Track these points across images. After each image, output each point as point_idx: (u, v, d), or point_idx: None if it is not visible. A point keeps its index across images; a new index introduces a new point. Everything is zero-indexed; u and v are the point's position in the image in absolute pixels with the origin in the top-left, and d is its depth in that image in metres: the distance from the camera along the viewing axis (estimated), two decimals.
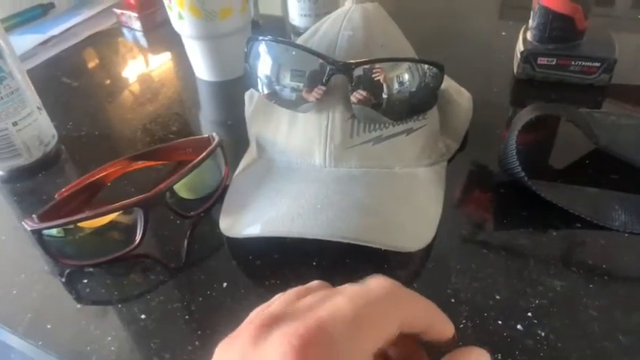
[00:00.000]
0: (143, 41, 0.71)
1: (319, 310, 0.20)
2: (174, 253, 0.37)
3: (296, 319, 0.20)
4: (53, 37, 0.72)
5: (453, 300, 0.32)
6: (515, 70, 0.53)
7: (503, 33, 0.62)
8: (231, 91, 0.55)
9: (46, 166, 0.47)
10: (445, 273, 0.33)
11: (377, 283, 0.21)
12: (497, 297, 0.32)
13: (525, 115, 0.38)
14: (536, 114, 0.38)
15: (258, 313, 0.22)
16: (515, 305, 0.31)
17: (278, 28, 0.70)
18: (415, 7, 0.72)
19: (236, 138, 0.47)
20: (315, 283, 0.25)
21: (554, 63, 0.51)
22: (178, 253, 0.37)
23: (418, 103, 0.38)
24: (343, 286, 0.23)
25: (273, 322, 0.20)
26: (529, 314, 0.31)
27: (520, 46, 0.52)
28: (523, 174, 0.36)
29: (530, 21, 0.52)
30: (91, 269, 0.36)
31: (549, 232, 0.36)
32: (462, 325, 0.30)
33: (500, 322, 0.30)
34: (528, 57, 0.51)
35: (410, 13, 0.69)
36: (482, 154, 0.43)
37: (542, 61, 0.51)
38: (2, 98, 0.42)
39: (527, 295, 0.32)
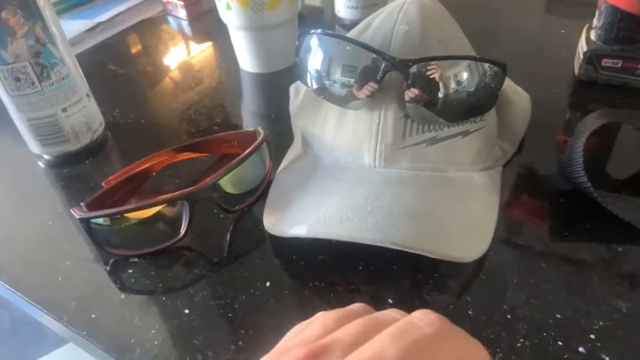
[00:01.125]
0: (188, 30, 0.71)
1: (363, 352, 0.18)
2: (217, 248, 0.37)
3: (338, 357, 0.18)
4: (100, 23, 0.72)
5: (509, 316, 0.30)
6: (576, 71, 0.50)
7: (562, 31, 0.59)
8: (276, 84, 0.55)
9: (93, 152, 0.47)
10: (501, 287, 0.32)
11: (425, 321, 0.19)
12: (558, 316, 0.30)
13: (593, 121, 0.36)
14: (604, 121, 0.35)
15: (298, 337, 0.21)
16: (577, 326, 0.29)
17: (323, 20, 0.69)
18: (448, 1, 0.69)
19: (279, 131, 0.46)
20: (357, 308, 0.23)
21: (619, 65, 0.47)
22: (221, 247, 0.37)
23: (476, 104, 0.36)
24: (388, 314, 0.21)
25: (314, 355, 0.18)
26: (592, 336, 0.29)
27: (583, 46, 0.49)
28: (589, 184, 0.34)
29: (595, 20, 0.49)
30: (135, 259, 0.36)
31: (614, 247, 0.33)
32: (519, 345, 0.28)
33: (560, 344, 0.28)
34: (592, 58, 0.48)
35: (446, 6, 0.67)
36: (539, 159, 0.41)
37: (606, 63, 0.48)
38: (53, 84, 0.42)
39: (590, 315, 0.30)
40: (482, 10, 0.66)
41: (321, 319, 0.21)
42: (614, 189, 0.37)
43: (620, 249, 0.33)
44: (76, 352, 0.32)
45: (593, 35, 0.49)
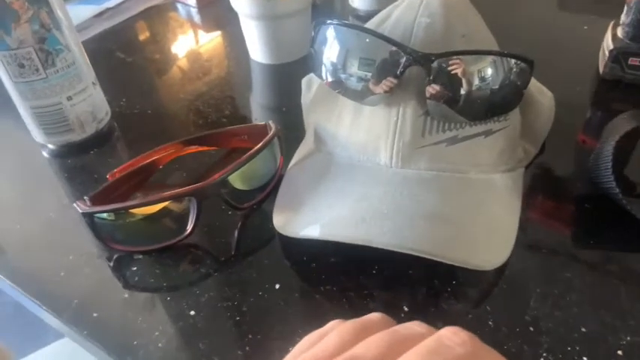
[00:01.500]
0: (197, 18, 0.69)
1: None
2: (225, 246, 0.35)
3: None
4: (108, 9, 0.71)
5: (531, 328, 0.28)
6: (600, 70, 0.48)
7: (585, 27, 0.56)
8: (287, 76, 0.53)
9: (98, 143, 0.46)
10: (523, 297, 0.30)
11: (456, 340, 0.17)
12: (583, 329, 0.28)
13: (623, 123, 0.34)
14: (636, 124, 0.33)
15: (313, 350, 0.19)
16: (604, 341, 0.28)
17: (336, 10, 0.67)
18: None
19: (290, 125, 0.44)
20: (375, 318, 0.21)
21: None
22: (229, 246, 0.35)
23: (501, 103, 0.34)
24: (410, 327, 0.19)
25: None
26: (619, 352, 0.27)
27: (609, 44, 0.47)
28: (618, 190, 0.32)
29: (623, 16, 0.47)
30: (140, 256, 0.35)
31: None
32: (541, 359, 0.27)
33: (585, 359, 0.27)
34: (618, 56, 0.46)
35: None
36: (562, 160, 0.39)
37: (634, 61, 0.46)
38: (58, 71, 0.41)
39: (617, 329, 0.28)
40: (499, 2, 0.64)
41: (338, 329, 0.20)
42: (637, 193, 0.35)
43: None
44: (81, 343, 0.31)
45: (620, 32, 0.47)
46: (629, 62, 0.46)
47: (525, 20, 0.60)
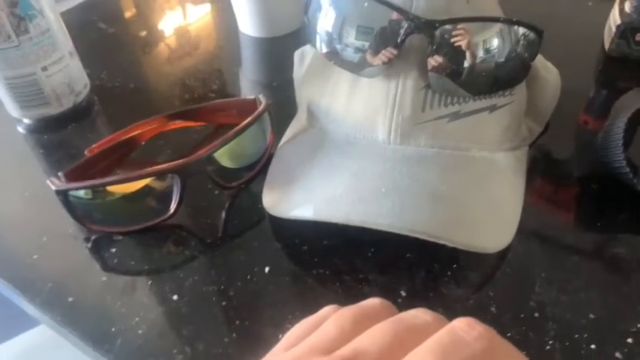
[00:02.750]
0: None
1: None
2: (211, 227, 0.33)
3: None
4: None
5: (537, 314, 0.27)
6: (606, 46, 0.46)
7: (589, 3, 0.54)
8: (278, 50, 0.50)
9: (77, 117, 0.43)
10: (527, 281, 0.28)
11: (472, 334, 0.15)
12: (591, 316, 0.27)
13: (633, 99, 0.32)
14: None
15: (309, 341, 0.17)
16: (613, 328, 0.26)
17: None
18: None
19: (282, 101, 0.42)
20: (376, 304, 0.19)
21: None
22: (216, 227, 0.33)
23: (507, 76, 0.32)
24: (416, 315, 0.17)
25: None
26: (629, 340, 0.26)
27: (616, 19, 0.45)
28: (628, 170, 0.30)
29: None
30: (119, 237, 0.33)
31: None
32: (548, 347, 0.25)
33: (593, 347, 0.25)
34: (625, 32, 0.44)
35: None
36: (567, 139, 0.38)
37: None
38: (31, 39, 0.38)
39: (626, 316, 0.27)
40: None
41: (335, 317, 0.18)
42: None
43: None
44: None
45: (627, 7, 0.45)
46: (637, 38, 0.44)
47: None
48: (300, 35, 0.36)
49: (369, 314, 0.18)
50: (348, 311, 0.18)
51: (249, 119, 0.34)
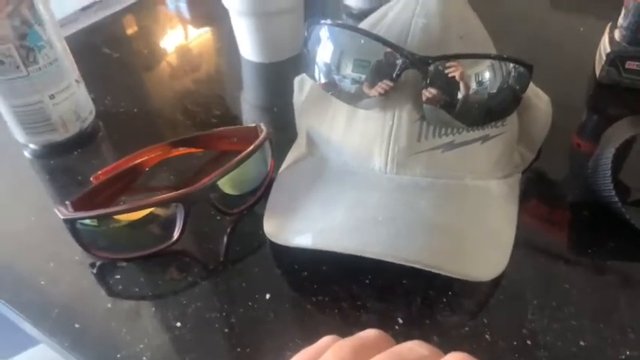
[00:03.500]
0: (186, 13, 0.67)
1: None
2: (213, 253, 0.34)
3: None
4: (96, 2, 0.69)
5: (529, 342, 0.28)
6: (597, 73, 0.47)
7: (581, 29, 0.56)
8: (279, 75, 0.51)
9: (82, 143, 0.44)
10: (520, 309, 0.29)
11: None
12: (582, 343, 0.27)
13: (622, 130, 0.33)
14: (638, 131, 0.33)
15: None
16: (603, 355, 0.27)
17: (330, 8, 0.66)
18: None
19: (282, 126, 0.43)
20: (373, 336, 0.19)
21: None
22: (218, 253, 0.34)
23: (498, 108, 0.33)
24: (412, 349, 0.18)
25: None
26: None
27: (606, 47, 0.46)
28: (617, 199, 0.31)
29: (621, 19, 0.46)
30: (124, 264, 0.34)
31: None
32: None
33: None
34: (615, 60, 0.45)
35: None
36: (558, 166, 0.39)
37: (631, 65, 0.45)
38: (40, 69, 0.39)
39: (616, 343, 0.27)
40: (492, 4, 0.63)
41: (334, 349, 0.19)
42: (636, 201, 0.35)
43: None
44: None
45: (617, 35, 0.46)
46: (627, 66, 0.45)
47: (520, 22, 0.59)
48: (300, 61, 0.37)
49: (367, 346, 0.19)
50: (347, 343, 0.19)
51: (250, 148, 0.35)
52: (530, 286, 0.30)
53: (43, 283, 0.33)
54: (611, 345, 0.27)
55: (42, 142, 0.43)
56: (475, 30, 0.36)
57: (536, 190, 0.37)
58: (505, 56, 0.32)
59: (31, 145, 0.44)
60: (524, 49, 0.53)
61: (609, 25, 0.48)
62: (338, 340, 0.19)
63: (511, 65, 0.32)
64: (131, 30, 0.64)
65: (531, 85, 0.42)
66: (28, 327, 0.31)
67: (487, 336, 0.28)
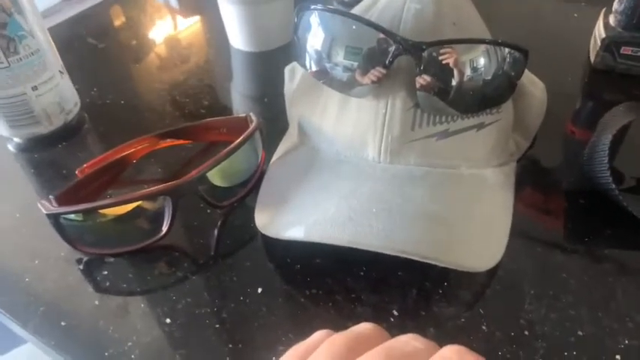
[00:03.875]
0: (174, 2, 0.66)
1: None
2: (203, 247, 0.33)
3: None
4: None
5: (526, 332, 0.27)
6: (592, 59, 0.47)
7: (575, 14, 0.55)
8: (269, 64, 0.50)
9: (67, 136, 0.43)
10: (517, 299, 0.29)
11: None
12: (580, 333, 0.27)
13: (619, 116, 0.33)
14: (634, 117, 0.32)
15: None
16: (601, 344, 0.27)
17: None
18: None
19: (272, 117, 0.42)
20: (368, 330, 0.19)
21: (639, 54, 0.44)
22: (208, 247, 0.33)
23: (493, 94, 0.33)
24: (408, 342, 0.17)
25: None
26: (617, 357, 0.26)
27: (601, 32, 0.46)
28: (614, 186, 0.31)
29: (615, 4, 0.45)
30: (111, 259, 0.33)
31: (638, 256, 0.31)
32: None
33: None
34: (610, 45, 0.45)
35: None
36: (554, 154, 0.38)
37: (626, 50, 0.44)
38: (21, 59, 0.38)
39: (614, 332, 0.27)
40: None
41: (328, 344, 0.18)
42: (632, 188, 0.34)
43: None
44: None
45: (612, 20, 0.46)
46: (622, 51, 0.45)
47: (513, 8, 0.58)
48: (290, 50, 0.36)
49: (361, 340, 0.18)
50: (341, 337, 0.18)
51: (240, 139, 0.34)
52: (526, 275, 0.30)
53: (27, 280, 0.32)
54: (609, 334, 0.27)
55: (26, 135, 0.42)
56: (469, 16, 0.35)
57: (532, 178, 0.36)
58: (500, 41, 0.31)
59: (15, 139, 0.42)
60: (518, 35, 0.52)
61: (604, 10, 0.48)
62: (331, 334, 0.19)
63: (506, 51, 0.32)
64: (117, 20, 0.62)
65: (526, 72, 0.42)
66: (13, 326, 0.30)
67: (484, 327, 0.28)
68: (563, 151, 0.39)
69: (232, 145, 0.33)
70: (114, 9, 0.64)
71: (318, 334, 0.19)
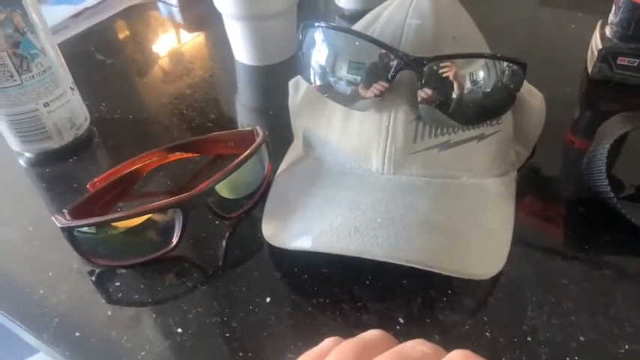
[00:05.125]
0: (179, 17, 0.67)
1: None
2: (212, 258, 0.34)
3: None
4: (87, 9, 0.68)
5: (529, 339, 0.28)
6: (589, 69, 0.48)
7: (573, 25, 0.56)
8: (273, 77, 0.52)
9: (78, 150, 0.44)
10: (519, 305, 0.29)
11: None
12: (582, 338, 0.28)
13: (617, 126, 0.34)
14: (631, 127, 0.33)
15: None
16: (603, 349, 0.27)
17: (322, 10, 0.66)
18: None
19: (278, 129, 0.43)
20: (375, 337, 0.20)
21: (636, 64, 0.45)
22: (217, 258, 0.34)
23: (493, 106, 0.34)
24: (415, 347, 0.18)
25: None
26: None
27: (597, 43, 0.47)
28: (613, 195, 0.32)
29: (611, 15, 0.47)
30: (123, 271, 0.33)
31: (636, 262, 0.31)
32: None
33: None
34: (607, 56, 0.46)
35: None
36: (553, 163, 0.39)
37: (622, 61, 0.46)
38: (34, 77, 0.39)
39: (615, 337, 0.28)
40: (483, 2, 0.63)
41: (337, 351, 0.19)
42: (630, 195, 0.35)
43: None
44: None
45: (608, 31, 0.47)
46: (618, 62, 0.46)
47: (512, 20, 0.59)
48: (294, 63, 0.37)
49: (369, 346, 0.19)
50: (350, 344, 0.19)
51: (248, 152, 0.35)
52: (528, 282, 0.31)
53: (42, 292, 0.33)
54: (610, 339, 0.28)
55: (37, 150, 0.43)
56: (468, 30, 0.36)
57: (532, 187, 0.37)
58: (499, 55, 0.32)
59: (26, 154, 0.43)
60: (516, 47, 0.53)
61: (600, 21, 0.49)
62: (341, 341, 0.19)
63: (505, 64, 0.33)
64: (124, 36, 0.64)
65: (525, 82, 0.43)
66: (28, 337, 0.31)
67: (487, 333, 0.28)
68: (562, 161, 0.39)
69: (240, 158, 0.34)
70: (120, 24, 0.66)
71: (328, 341, 0.20)
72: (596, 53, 0.46)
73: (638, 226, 0.32)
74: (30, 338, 0.31)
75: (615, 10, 0.46)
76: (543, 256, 0.32)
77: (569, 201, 0.36)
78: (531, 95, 0.41)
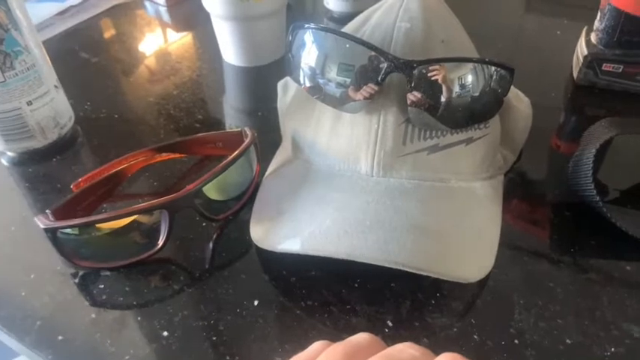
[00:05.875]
0: (166, 17, 0.66)
1: None
2: (199, 260, 0.34)
3: None
4: (72, 6, 0.67)
5: (516, 341, 0.28)
6: (575, 75, 0.48)
7: (558, 32, 0.57)
8: (262, 79, 0.51)
9: (61, 150, 0.43)
10: (507, 308, 0.30)
11: None
12: (568, 341, 0.28)
13: (602, 131, 0.34)
14: (615, 132, 0.33)
15: None
16: (588, 352, 0.27)
17: (311, 12, 0.66)
18: None
19: (267, 130, 0.43)
20: (364, 340, 0.19)
21: (620, 70, 0.46)
22: (204, 260, 0.34)
23: (481, 110, 0.34)
24: (403, 350, 0.18)
25: None
26: None
27: (583, 49, 0.47)
28: (598, 198, 0.32)
29: (596, 22, 0.47)
30: (107, 273, 0.33)
31: (621, 265, 0.32)
32: None
33: None
34: (592, 62, 0.46)
35: None
36: (539, 167, 0.39)
37: (607, 67, 0.46)
38: (17, 75, 0.38)
39: (600, 340, 0.28)
40: (470, 9, 0.64)
41: (326, 354, 0.19)
42: (615, 199, 0.35)
43: (628, 268, 0.32)
44: None
45: (593, 38, 0.48)
46: (603, 68, 0.46)
47: (498, 26, 0.60)
48: (283, 65, 0.37)
49: (359, 349, 0.19)
50: (339, 347, 0.19)
51: (236, 153, 0.35)
52: (516, 285, 0.31)
53: (24, 294, 0.32)
54: (596, 342, 0.28)
55: (20, 149, 0.42)
56: (457, 34, 0.36)
57: (519, 190, 0.37)
58: (487, 60, 0.32)
59: (9, 153, 0.42)
60: (503, 53, 0.54)
61: (585, 28, 0.50)
62: (329, 345, 0.19)
63: (493, 69, 0.33)
64: (110, 34, 0.63)
65: (512, 87, 0.43)
66: (9, 340, 0.30)
67: (475, 336, 0.28)
68: (548, 165, 0.40)
69: (229, 159, 0.34)
70: (105, 23, 0.65)
71: (317, 345, 0.20)
72: (581, 59, 0.47)
73: (624, 230, 0.32)
74: (11, 342, 0.30)
75: (600, 17, 0.46)
76: (530, 260, 0.32)
77: (555, 205, 0.36)
78: (518, 100, 0.41)
